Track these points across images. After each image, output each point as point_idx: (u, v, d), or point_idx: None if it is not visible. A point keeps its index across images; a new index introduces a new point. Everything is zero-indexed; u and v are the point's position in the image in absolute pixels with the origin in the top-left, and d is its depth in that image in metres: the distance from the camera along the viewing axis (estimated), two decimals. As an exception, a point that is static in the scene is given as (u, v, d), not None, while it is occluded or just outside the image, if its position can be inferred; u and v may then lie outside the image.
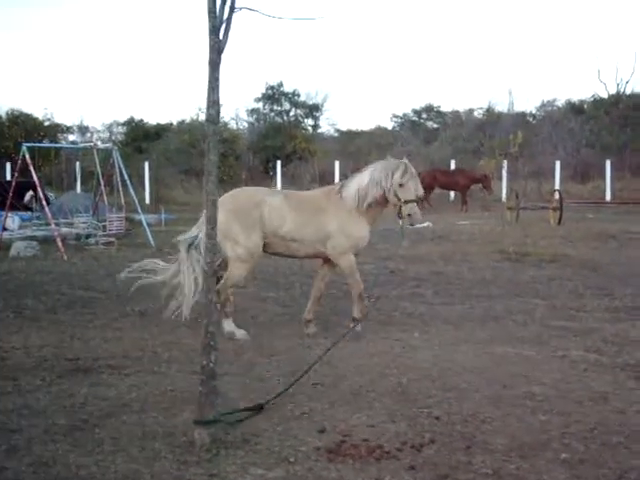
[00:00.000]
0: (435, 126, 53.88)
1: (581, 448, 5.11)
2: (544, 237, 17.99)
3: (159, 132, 45.77)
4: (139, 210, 19.17)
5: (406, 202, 8.51)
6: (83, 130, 47.71)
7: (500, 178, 31.75)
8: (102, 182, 19.68)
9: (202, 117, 35.11)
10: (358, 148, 43.90)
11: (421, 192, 8.82)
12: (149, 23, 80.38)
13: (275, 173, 36.72)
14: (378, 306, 10.07)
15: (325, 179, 34.90)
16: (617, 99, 44.21)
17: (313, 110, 48.93)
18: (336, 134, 52.45)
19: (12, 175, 21.36)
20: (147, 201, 31.62)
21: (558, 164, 33.31)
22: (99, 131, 49.78)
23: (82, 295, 11.14)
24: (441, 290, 11.54)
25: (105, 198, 20.17)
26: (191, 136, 38.84)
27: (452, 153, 38.96)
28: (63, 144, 38.28)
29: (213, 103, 5.02)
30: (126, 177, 19.23)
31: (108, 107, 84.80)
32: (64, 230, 18.28)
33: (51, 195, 25.14)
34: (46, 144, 31.42)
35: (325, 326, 9.00)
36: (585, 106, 46.98)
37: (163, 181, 34.59)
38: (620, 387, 6.54)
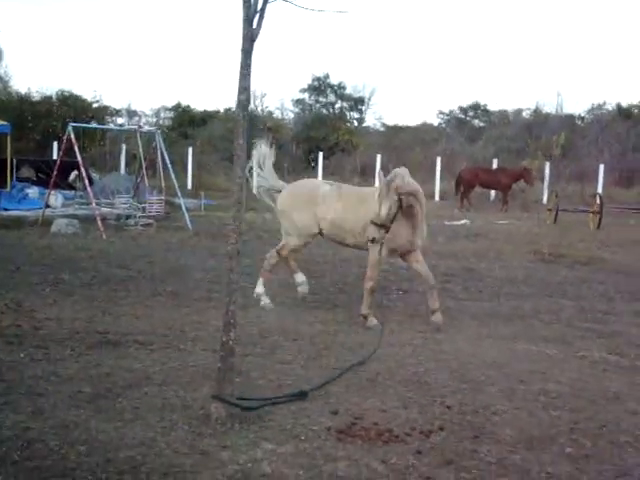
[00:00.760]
0: (481, 124, 53.68)
1: (588, 444, 5.19)
2: (581, 240, 17.93)
3: (205, 118, 46.23)
4: (179, 194, 19.45)
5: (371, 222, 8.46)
6: (131, 114, 48.29)
7: (542, 179, 31.51)
8: (144, 165, 20.00)
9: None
10: (402, 143, 43.91)
11: (386, 217, 8.30)
12: (200, 9, 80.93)
13: (317, 164, 36.85)
14: (405, 301, 10.20)
15: (366, 172, 35.00)
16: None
17: (358, 103, 49.04)
18: (382, 128, 52.51)
19: (58, 154, 21.74)
20: (189, 186, 31.95)
21: (602, 168, 32.99)
22: (147, 115, 50.40)
23: (117, 273, 11.41)
24: (471, 286, 11.60)
25: (146, 181, 20.48)
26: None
27: (495, 152, 38.77)
28: (109, 126, 38.73)
29: (244, 90, 5.18)
30: (168, 161, 19.51)
31: (156, 92, 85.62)
32: (105, 210, 18.68)
33: (95, 175, 25.59)
34: (92, 125, 31.84)
35: (351, 314, 9.14)
36: (634, 111, 46.43)
37: (206, 167, 34.91)
38: (636, 389, 6.59)
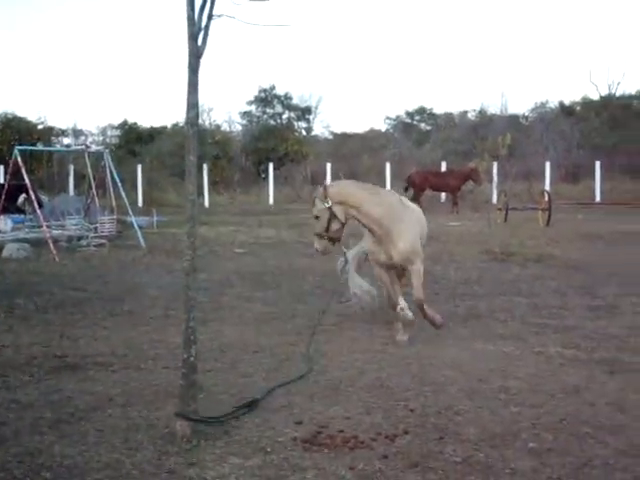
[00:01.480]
0: (428, 128, 54.16)
1: (549, 438, 5.29)
2: (531, 237, 18.22)
3: (153, 135, 45.90)
4: (130, 212, 19.32)
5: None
6: (77, 133, 47.83)
7: (490, 180, 31.94)
8: (94, 185, 19.83)
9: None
10: (351, 150, 44.17)
11: (319, 228, 8.22)
12: (143, 27, 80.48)
13: (267, 175, 36.88)
14: (364, 305, 10.25)
15: (317, 181, 35.06)
16: (607, 101, 44.52)
17: (305, 113, 49.22)
18: (330, 136, 52.76)
19: (5, 178, 21.47)
20: (139, 204, 31.75)
21: (548, 165, 33.55)
22: (93, 134, 49.92)
23: (72, 295, 11.30)
24: (427, 289, 11.68)
25: (97, 200, 20.32)
26: (184, 139, 38.89)
27: (443, 155, 39.18)
28: (56, 147, 38.30)
29: (192, 106, 5.20)
30: (117, 180, 19.39)
31: (102, 111, 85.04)
32: (56, 232, 18.43)
33: (44, 198, 25.23)
34: (38, 147, 31.48)
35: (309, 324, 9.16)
36: (577, 108, 47.26)
37: (156, 184, 34.73)
38: (593, 381, 6.73)
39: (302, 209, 25.13)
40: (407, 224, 8.48)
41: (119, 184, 19.32)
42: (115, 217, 19.89)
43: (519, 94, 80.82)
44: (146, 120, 74.22)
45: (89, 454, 4.98)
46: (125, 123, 48.05)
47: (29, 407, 6.00)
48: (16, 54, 75.15)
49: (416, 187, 28.79)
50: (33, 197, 18.20)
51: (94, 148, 25.22)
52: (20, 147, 18.58)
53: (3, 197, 17.90)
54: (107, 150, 21.12)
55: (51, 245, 16.04)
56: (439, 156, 38.88)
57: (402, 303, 8.48)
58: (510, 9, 77.34)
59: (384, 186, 33.07)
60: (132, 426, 5.53)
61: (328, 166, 35.35)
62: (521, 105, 77.04)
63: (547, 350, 7.85)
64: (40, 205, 19.34)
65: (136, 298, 11.01)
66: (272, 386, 6.42)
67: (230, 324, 9.25)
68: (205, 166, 35.15)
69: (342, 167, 38.56)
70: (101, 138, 49.05)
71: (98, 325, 9.25)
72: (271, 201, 35.77)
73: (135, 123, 47.96)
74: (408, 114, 55.62)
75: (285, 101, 48.54)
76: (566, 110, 46.55)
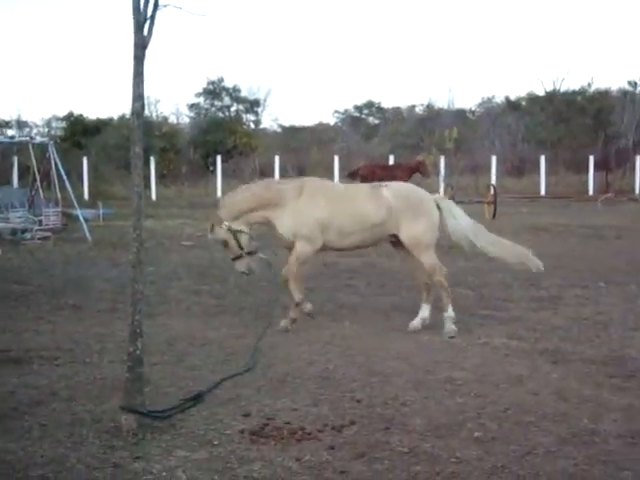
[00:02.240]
0: (376, 122, 54.46)
1: (494, 427, 5.37)
2: (477, 230, 18.37)
3: (99, 127, 45.30)
4: (76, 205, 19.06)
5: None
6: (21, 125, 47.01)
7: (437, 173, 32.21)
8: (38, 177, 19.53)
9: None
10: (299, 143, 44.17)
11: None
12: (89, 16, 79.34)
13: (215, 168, 36.69)
14: (311, 298, 10.26)
15: (266, 174, 35.02)
16: (552, 96, 45.19)
17: (254, 105, 49.05)
18: (279, 129, 52.69)
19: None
20: (86, 196, 31.35)
21: (494, 159, 33.95)
22: (38, 126, 49.15)
23: (16, 289, 11.12)
24: (373, 282, 11.79)
25: (41, 193, 20.01)
26: (131, 131, 38.48)
27: (392, 148, 39.40)
28: (-1, 138, 37.62)
29: (138, 97, 5.15)
30: (62, 172, 19.10)
31: (47, 102, 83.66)
32: (-1, 225, 18.13)
33: (-14, 190, 24.79)
34: (-19, 139, 30.89)
35: (257, 316, 9.16)
36: (522, 103, 47.91)
37: (102, 176, 34.33)
38: (537, 371, 6.84)
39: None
40: (287, 209, 8.47)
41: (64, 176, 19.04)
42: (60, 210, 19.62)
43: (466, 89, 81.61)
44: (92, 112, 73.28)
45: (33, 449, 4.91)
46: (71, 115, 47.33)
47: (-30, 402, 5.90)
48: (-43, 43, 73.60)
49: (363, 180, 28.86)
50: (-25, 189, 17.87)
51: (39, 139, 24.77)
52: (-38, 138, 18.20)
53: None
54: (52, 142, 20.82)
55: (-6, 238, 15.77)
56: (387, 150, 39.08)
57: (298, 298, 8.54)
58: (457, 4, 78.05)
59: (332, 179, 33.25)
60: (77, 420, 5.46)
61: (276, 159, 35.29)
62: (468, 100, 77.88)
63: (492, 341, 7.96)
64: (-18, 197, 19.00)
65: (82, 291, 10.88)
66: (218, 379, 6.39)
67: (177, 317, 9.20)
68: (152, 159, 34.84)
69: (291, 160, 38.64)
70: (46, 130, 48.31)
71: (43, 319, 9.12)
72: (219, 194, 35.56)
73: (81, 115, 47.31)
74: (356, 108, 55.96)
75: (234, 93, 48.31)
76: (512, 105, 47.21)
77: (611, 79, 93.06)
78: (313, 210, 8.46)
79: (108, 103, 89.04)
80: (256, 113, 50.28)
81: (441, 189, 31.31)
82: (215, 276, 12.10)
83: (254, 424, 5.38)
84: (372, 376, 6.60)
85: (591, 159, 33.91)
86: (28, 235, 17.80)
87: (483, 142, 39.47)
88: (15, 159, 33.03)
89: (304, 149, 42.56)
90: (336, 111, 57.10)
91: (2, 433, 5.20)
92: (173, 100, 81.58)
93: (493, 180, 31.34)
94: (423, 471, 4.64)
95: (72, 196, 19.06)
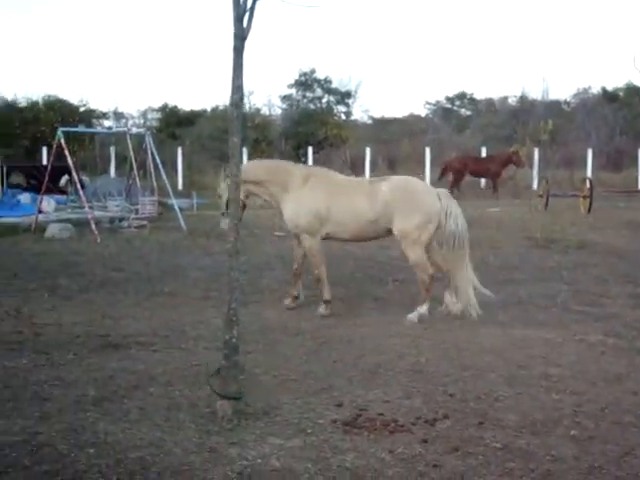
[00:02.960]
0: (468, 113, 53.78)
1: (591, 426, 5.26)
2: (573, 224, 18.01)
3: (193, 118, 46.06)
4: (171, 194, 19.43)
5: None
6: (118, 116, 48.08)
7: (531, 166, 31.60)
8: (135, 166, 19.98)
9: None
10: (390, 135, 43.97)
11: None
12: (186, 9, 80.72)
13: (307, 159, 36.86)
14: (402, 290, 10.25)
15: (356, 165, 35.01)
16: (652, 86, 43.71)
17: (345, 97, 48.94)
18: (369, 121, 52.52)
19: (48, 159, 21.74)
20: (180, 186, 31.93)
21: (590, 152, 33.09)
22: (134, 117, 50.21)
23: (114, 276, 11.43)
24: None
25: (138, 182, 20.46)
26: (224, 122, 39.06)
27: (484, 140, 38.80)
28: (97, 129, 38.66)
29: (237, 88, 5.21)
30: (158, 162, 19.49)
31: (143, 93, 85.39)
32: (98, 213, 18.65)
33: (86, 179, 25.49)
34: (81, 129, 31.68)
35: (350, 307, 9.20)
36: (620, 94, 46.54)
37: (196, 167, 34.89)
38: (635, 369, 6.67)
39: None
40: (291, 196, 9.00)
41: (160, 166, 19.43)
42: (156, 199, 20.02)
43: (561, 79, 79.70)
44: (186, 103, 74.70)
45: (132, 432, 5.06)
46: (165, 106, 48.28)
47: (73, 385, 6.10)
48: (59, 37, 75.96)
49: (455, 173, 28.60)
50: (76, 178, 18.41)
51: (135, 130, 25.37)
52: (63, 129, 18.76)
53: (46, 178, 18.10)
54: (149, 132, 21.26)
55: (93, 226, 16.20)
56: (479, 142, 38.54)
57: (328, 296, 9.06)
58: (554, -7, 76.25)
59: (424, 172, 33.01)
60: (174, 405, 5.59)
61: (367, 151, 35.21)
62: (563, 91, 76.15)
63: (588, 338, 7.79)
64: (82, 186, 19.55)
65: (177, 279, 11.12)
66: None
67: (271, 306, 9.31)
68: (245, 149, 35.23)
69: (381, 152, 38.50)
70: (142, 121, 49.32)
71: (140, 305, 9.36)
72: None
73: (175, 106, 48.19)
74: (448, 99, 55.31)
75: (325, 85, 48.32)
76: (609, 96, 45.87)
77: None
78: (311, 203, 8.91)
79: (202, 95, 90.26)
80: (347, 105, 50.19)
81: (535, 181, 30.74)
82: (307, 267, 12.15)
83: (347, 414, 5.40)
84: (464, 370, 6.55)
85: (693, 152, 32.70)
86: (125, 223, 18.24)
87: (578, 134, 38.46)
88: (113, 149, 33.95)
89: (395, 141, 42.31)
90: (427, 102, 56.60)
91: (103, 415, 5.37)
92: (266, 91, 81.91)
93: (589, 173, 30.57)
94: (518, 468, 4.58)
95: (168, 186, 19.43)
